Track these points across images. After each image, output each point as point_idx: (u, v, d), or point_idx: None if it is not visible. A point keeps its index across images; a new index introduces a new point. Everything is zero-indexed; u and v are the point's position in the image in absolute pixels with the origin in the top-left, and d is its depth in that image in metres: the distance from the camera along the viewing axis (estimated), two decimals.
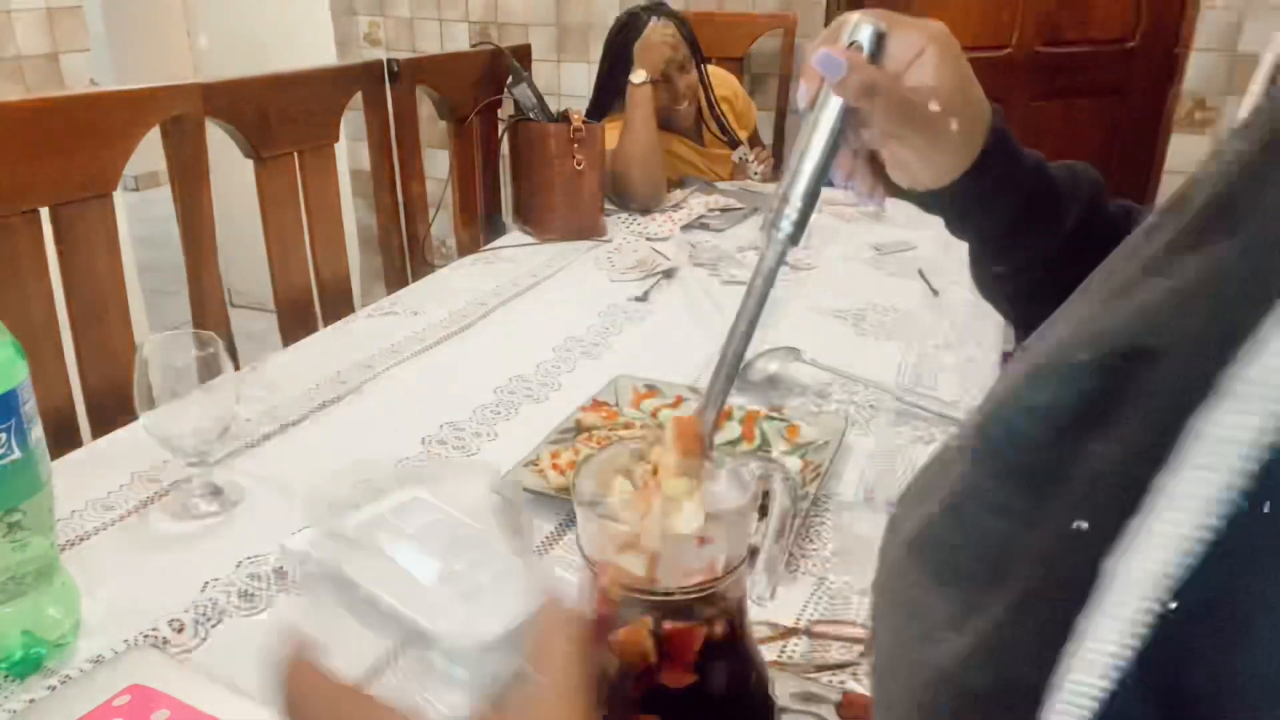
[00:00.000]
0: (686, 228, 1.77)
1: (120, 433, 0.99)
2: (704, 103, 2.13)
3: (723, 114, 2.18)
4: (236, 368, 1.14)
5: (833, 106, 0.53)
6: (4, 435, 0.59)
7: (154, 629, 0.70)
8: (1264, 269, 0.25)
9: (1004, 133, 0.59)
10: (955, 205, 0.61)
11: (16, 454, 0.60)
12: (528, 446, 0.92)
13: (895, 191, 0.63)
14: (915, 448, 0.98)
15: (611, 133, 1.91)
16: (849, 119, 0.54)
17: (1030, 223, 0.61)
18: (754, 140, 2.32)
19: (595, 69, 2.11)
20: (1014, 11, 2.62)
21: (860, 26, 0.54)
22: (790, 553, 0.79)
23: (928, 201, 0.61)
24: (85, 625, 0.69)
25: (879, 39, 0.54)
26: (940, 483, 0.35)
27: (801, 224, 0.51)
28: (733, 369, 0.48)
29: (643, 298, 1.42)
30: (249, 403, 1.06)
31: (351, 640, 0.70)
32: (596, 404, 1.00)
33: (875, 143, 0.58)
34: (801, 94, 0.55)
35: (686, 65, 2.01)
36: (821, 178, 0.53)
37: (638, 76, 1.88)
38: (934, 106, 0.55)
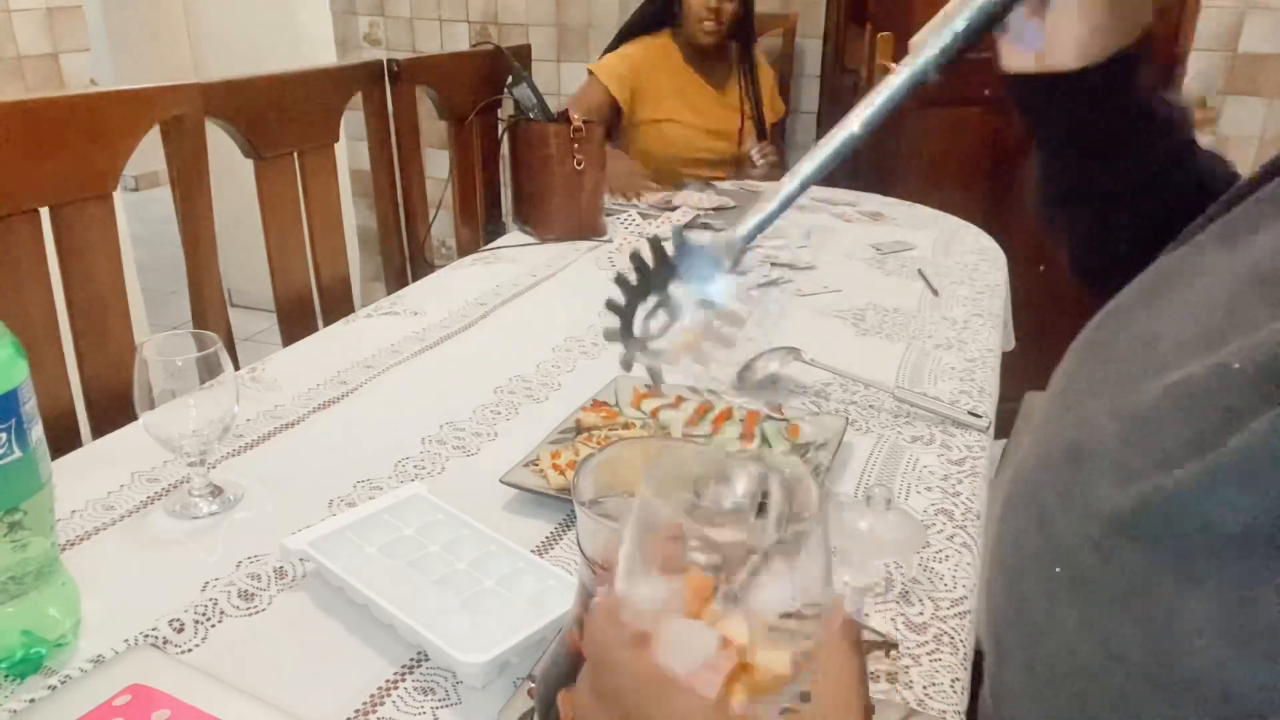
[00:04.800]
0: (687, 228, 1.77)
1: (120, 433, 0.99)
2: (737, 57, 2.22)
3: (756, 79, 2.25)
4: (236, 368, 1.14)
5: None
6: (4, 435, 0.59)
7: (154, 629, 0.70)
8: None
9: (1149, 38, 0.56)
10: (1084, 94, 0.56)
11: (16, 454, 0.60)
12: (528, 446, 0.92)
13: (1008, 80, 0.58)
14: (915, 448, 0.98)
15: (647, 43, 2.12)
16: None
17: (1139, 136, 0.58)
18: (774, 129, 2.36)
19: None
20: None
21: None
22: None
23: (1046, 91, 0.57)
24: (85, 625, 0.69)
25: None
26: (1171, 440, 0.30)
27: (952, 50, 0.46)
28: (838, 157, 0.44)
29: None
30: (249, 403, 1.06)
31: (352, 641, 0.70)
32: (596, 404, 1.00)
33: None
34: None
35: None
36: (989, 12, 0.47)
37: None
38: None
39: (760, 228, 0.44)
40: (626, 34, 2.28)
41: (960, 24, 0.46)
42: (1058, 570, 0.33)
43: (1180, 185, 0.59)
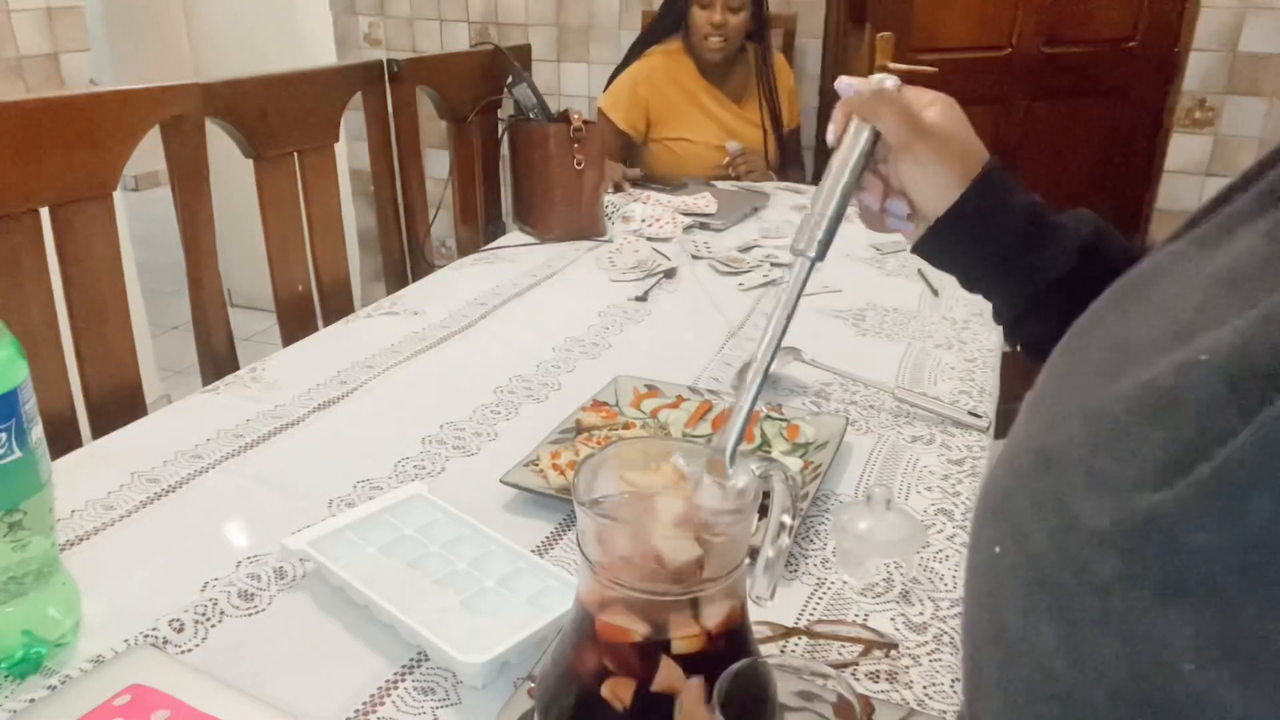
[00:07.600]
0: (688, 229, 1.77)
1: (120, 433, 0.99)
2: (755, 64, 2.23)
3: (774, 88, 2.23)
4: (237, 368, 1.14)
5: (855, 134, 0.63)
6: (4, 435, 0.59)
7: (154, 629, 0.70)
8: None
9: (1000, 170, 0.65)
10: (954, 233, 0.66)
11: (16, 454, 0.60)
12: (528, 446, 0.92)
13: (915, 248, 0.70)
14: (915, 448, 0.98)
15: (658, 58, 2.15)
16: (871, 149, 0.63)
17: (1027, 254, 0.66)
18: (791, 135, 2.34)
19: (594, 69, 2.12)
20: (1014, 11, 2.61)
21: (884, 79, 0.65)
22: (790, 553, 0.79)
23: (934, 243, 0.67)
24: (85, 625, 0.69)
25: (897, 87, 0.64)
26: (1145, 452, 0.29)
27: (827, 243, 0.59)
28: (763, 380, 0.53)
29: (643, 298, 1.42)
30: (249, 403, 1.06)
31: (352, 641, 0.70)
32: (596, 404, 1.00)
33: (891, 164, 0.66)
34: (831, 131, 0.65)
35: (735, 4, 2.08)
36: (846, 201, 0.61)
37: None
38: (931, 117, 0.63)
39: (739, 439, 0.51)
40: (637, 49, 2.27)
41: (830, 218, 0.60)
42: (1035, 585, 0.32)
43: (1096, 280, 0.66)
